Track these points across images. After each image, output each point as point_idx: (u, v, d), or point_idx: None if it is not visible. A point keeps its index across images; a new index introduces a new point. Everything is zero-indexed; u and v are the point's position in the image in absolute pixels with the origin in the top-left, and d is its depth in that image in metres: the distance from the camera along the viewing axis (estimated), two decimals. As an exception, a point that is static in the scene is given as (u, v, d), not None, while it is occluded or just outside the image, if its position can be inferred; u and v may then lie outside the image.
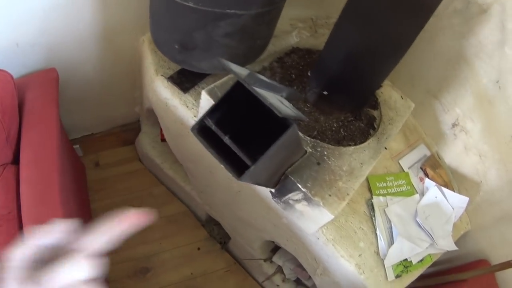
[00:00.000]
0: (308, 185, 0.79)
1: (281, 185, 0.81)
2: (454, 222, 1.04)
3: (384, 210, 0.95)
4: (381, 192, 0.98)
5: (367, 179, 0.99)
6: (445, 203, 1.03)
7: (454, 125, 1.10)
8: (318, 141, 0.85)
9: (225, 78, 0.88)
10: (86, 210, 1.15)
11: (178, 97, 0.96)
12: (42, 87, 0.93)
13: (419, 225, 0.97)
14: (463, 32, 0.99)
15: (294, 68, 0.96)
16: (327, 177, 0.82)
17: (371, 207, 0.95)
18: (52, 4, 0.86)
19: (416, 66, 1.17)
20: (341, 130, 0.88)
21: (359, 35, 0.77)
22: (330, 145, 0.85)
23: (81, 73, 1.04)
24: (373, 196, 0.96)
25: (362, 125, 0.92)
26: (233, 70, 0.55)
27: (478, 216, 1.10)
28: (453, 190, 1.10)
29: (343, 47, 0.80)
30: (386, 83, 1.07)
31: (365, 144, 0.89)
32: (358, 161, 0.86)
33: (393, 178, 1.02)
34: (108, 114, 1.23)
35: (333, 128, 0.88)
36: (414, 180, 1.06)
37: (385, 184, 1.00)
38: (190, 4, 0.73)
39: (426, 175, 1.08)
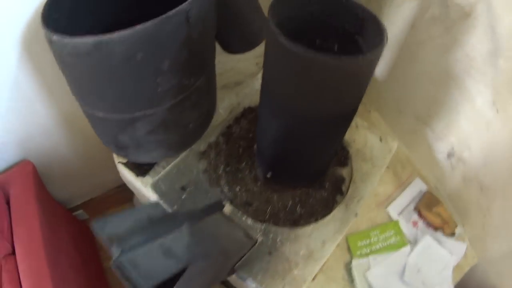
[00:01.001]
0: (259, 278, 0.75)
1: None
2: (454, 265, 0.93)
3: (365, 275, 0.87)
4: (364, 252, 0.90)
5: (346, 239, 0.91)
6: (441, 250, 0.92)
7: (449, 155, 0.96)
8: (270, 225, 0.79)
9: (169, 167, 0.84)
10: (97, 270, 1.22)
11: (140, 180, 0.94)
12: (20, 183, 0.97)
13: (407, 284, 0.87)
14: (446, 44, 0.82)
15: (242, 139, 0.89)
16: (280, 266, 0.77)
17: (351, 272, 0.87)
18: (7, 107, 0.88)
19: (400, 90, 1.03)
20: (298, 207, 0.81)
21: (276, 121, 0.68)
22: (284, 228, 0.79)
23: (58, 155, 1.07)
24: (353, 259, 0.88)
25: (325, 194, 0.83)
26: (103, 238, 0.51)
27: (484, 250, 0.97)
28: (455, 227, 0.97)
29: (267, 131, 0.72)
30: (362, 124, 0.95)
31: (329, 217, 0.82)
32: (319, 240, 0.79)
33: (378, 231, 0.93)
34: (100, 180, 1.26)
35: (288, 207, 0.81)
36: (406, 227, 0.95)
37: (368, 241, 0.91)
38: (100, 115, 0.70)
39: (421, 217, 0.96)
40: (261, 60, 1.11)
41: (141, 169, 0.93)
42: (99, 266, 1.24)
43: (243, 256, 0.75)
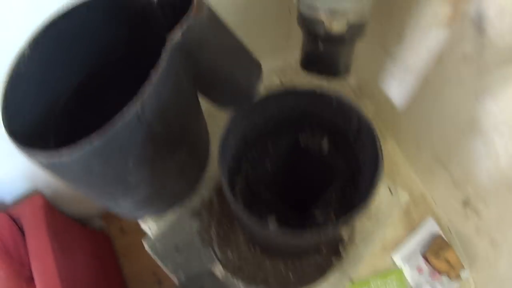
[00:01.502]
0: None
1: None
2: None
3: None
4: (363, 301, 0.88)
5: (345, 288, 0.88)
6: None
7: (465, 203, 0.88)
8: (261, 290, 0.78)
9: (164, 228, 0.84)
10: (117, 278, 1.29)
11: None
12: (32, 218, 1.03)
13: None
14: (477, 90, 0.70)
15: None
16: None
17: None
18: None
19: (420, 125, 0.93)
20: (290, 273, 0.78)
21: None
22: (274, 291, 0.78)
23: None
24: (352, 311, 0.87)
25: (320, 258, 0.79)
26: None
27: None
28: (461, 271, 0.92)
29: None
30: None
31: (322, 282, 0.79)
32: (310, 305, 0.78)
33: (380, 280, 0.90)
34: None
35: (280, 273, 0.79)
36: (410, 273, 0.91)
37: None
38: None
39: (427, 263, 0.92)
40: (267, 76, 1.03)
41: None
42: (119, 274, 1.31)
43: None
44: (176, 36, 0.53)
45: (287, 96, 0.53)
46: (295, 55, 0.77)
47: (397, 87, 0.93)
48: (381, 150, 0.48)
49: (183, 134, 0.68)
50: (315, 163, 0.59)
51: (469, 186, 0.85)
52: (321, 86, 0.59)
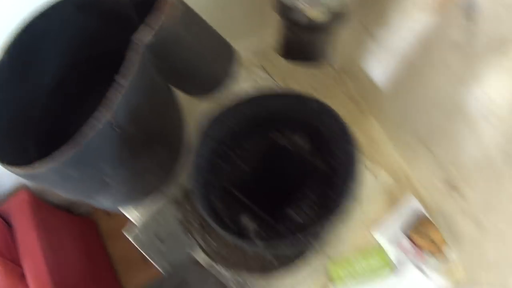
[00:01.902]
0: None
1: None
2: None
3: (345, 306, 0.91)
4: (345, 281, 0.93)
5: (327, 268, 0.93)
6: (427, 281, 0.94)
7: (449, 185, 0.91)
8: (243, 273, 0.83)
9: (147, 219, 0.87)
10: (104, 260, 1.34)
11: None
12: (19, 214, 1.06)
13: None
14: (463, 77, 0.71)
15: None
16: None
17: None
18: None
19: (403, 106, 0.94)
20: (268, 255, 0.83)
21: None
22: (256, 275, 0.83)
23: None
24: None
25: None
26: None
27: (475, 279, 0.98)
28: (446, 251, 0.97)
29: None
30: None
31: (302, 262, 0.83)
32: (290, 286, 0.84)
33: (362, 259, 0.94)
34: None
35: (261, 258, 0.83)
36: (393, 252, 0.96)
37: (351, 270, 0.94)
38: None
39: (411, 241, 0.96)
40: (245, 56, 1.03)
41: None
42: (106, 256, 1.36)
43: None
44: (146, 37, 0.54)
45: (262, 99, 0.54)
46: (272, 33, 0.77)
47: (380, 69, 0.93)
48: (357, 155, 0.50)
49: (157, 130, 0.69)
50: (292, 162, 0.61)
51: (453, 168, 0.87)
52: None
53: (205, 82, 0.74)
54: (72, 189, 0.63)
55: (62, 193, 0.67)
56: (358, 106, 1.06)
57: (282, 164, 0.65)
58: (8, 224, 1.06)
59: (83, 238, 1.27)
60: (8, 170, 0.53)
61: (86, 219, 1.38)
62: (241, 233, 0.61)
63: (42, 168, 0.51)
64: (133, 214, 0.91)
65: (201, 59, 0.68)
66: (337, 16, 0.59)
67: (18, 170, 0.52)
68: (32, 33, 0.64)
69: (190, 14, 0.61)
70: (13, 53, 0.62)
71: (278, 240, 0.60)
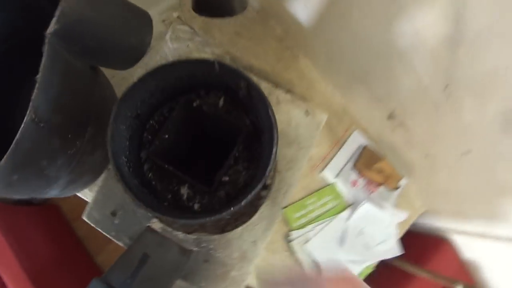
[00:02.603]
0: (202, 285, 0.91)
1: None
2: (397, 222, 1.06)
3: (304, 247, 1.02)
4: (301, 222, 1.02)
5: (282, 213, 1.02)
6: (382, 214, 1.04)
7: (390, 117, 0.98)
8: (201, 235, 0.91)
9: (94, 195, 0.92)
10: (73, 242, 1.41)
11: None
12: None
13: (348, 249, 1.03)
14: (389, 14, 0.74)
15: None
16: (219, 271, 0.91)
17: (289, 244, 1.02)
18: None
19: (332, 44, 0.97)
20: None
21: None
22: (215, 236, 0.91)
23: None
24: (291, 232, 1.02)
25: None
26: None
27: (432, 203, 1.08)
28: (398, 180, 1.07)
29: None
30: (284, 99, 0.97)
31: (256, 216, 0.92)
32: (249, 240, 0.91)
33: (315, 198, 1.03)
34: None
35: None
36: (345, 187, 1.04)
37: (305, 211, 1.03)
38: None
39: (361, 175, 1.06)
40: (167, 16, 1.05)
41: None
42: (74, 238, 1.43)
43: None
44: (51, 26, 0.57)
45: (166, 70, 0.59)
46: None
47: (302, 7, 0.95)
48: (273, 113, 0.56)
49: (86, 113, 0.73)
50: (216, 123, 0.67)
51: (393, 101, 0.93)
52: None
53: (124, 55, 0.77)
54: (22, 191, 0.68)
55: (14, 196, 0.72)
56: (288, 48, 1.09)
57: (205, 127, 0.70)
58: None
59: (48, 226, 1.32)
60: None
61: (47, 206, 1.43)
62: (179, 203, 0.68)
63: None
64: (87, 195, 0.97)
65: (114, 33, 0.70)
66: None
67: None
68: None
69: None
70: None
71: (218, 206, 0.67)
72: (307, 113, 0.93)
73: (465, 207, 0.97)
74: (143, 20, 0.73)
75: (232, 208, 0.52)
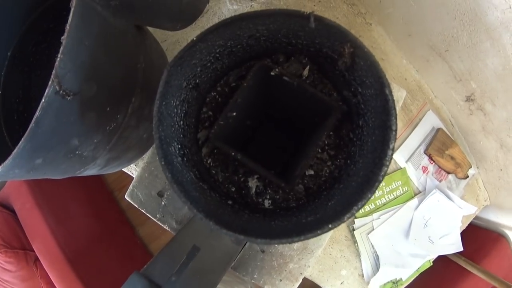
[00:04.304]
0: (255, 276, 0.74)
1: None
2: (464, 215, 0.87)
3: (368, 237, 0.83)
4: (367, 209, 0.84)
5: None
6: (451, 205, 0.84)
7: (469, 99, 0.78)
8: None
9: (140, 171, 0.76)
10: (115, 214, 1.26)
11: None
12: (19, 198, 0.96)
13: (412, 241, 0.84)
14: None
15: None
16: (275, 262, 0.74)
17: (353, 233, 0.84)
18: None
19: (411, 11, 0.77)
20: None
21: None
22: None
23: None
24: (355, 219, 0.84)
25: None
26: None
27: (497, 197, 0.88)
28: (468, 169, 0.86)
29: None
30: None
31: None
32: (313, 231, 0.74)
33: (384, 184, 0.84)
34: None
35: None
36: (415, 174, 0.85)
37: (372, 197, 0.84)
38: None
39: (432, 161, 0.85)
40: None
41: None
42: (117, 209, 1.28)
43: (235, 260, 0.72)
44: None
45: (240, 23, 0.39)
46: None
47: None
48: (390, 90, 0.36)
49: (129, 82, 0.55)
50: (296, 101, 0.46)
51: (473, 82, 0.72)
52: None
53: (176, 11, 0.58)
54: (51, 173, 0.51)
55: (41, 177, 0.55)
56: (361, 14, 0.88)
57: (283, 107, 0.50)
58: (11, 210, 0.97)
59: (89, 198, 1.17)
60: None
61: (89, 177, 1.28)
62: (246, 199, 0.49)
63: (2, 170, 0.39)
64: (131, 170, 0.81)
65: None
66: None
67: None
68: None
69: None
70: None
71: (295, 203, 0.48)
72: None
73: None
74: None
75: (335, 222, 0.32)
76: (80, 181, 1.19)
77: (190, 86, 0.41)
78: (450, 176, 0.85)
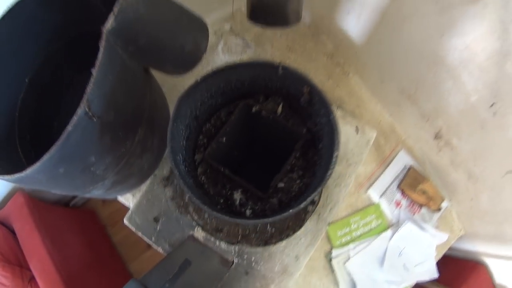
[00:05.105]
0: (239, 297, 0.85)
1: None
2: (437, 244, 0.99)
3: (344, 266, 0.95)
4: (344, 240, 0.96)
5: (326, 229, 0.97)
6: (423, 234, 0.97)
7: (437, 136, 0.93)
8: (243, 246, 0.85)
9: (138, 199, 0.89)
10: (107, 246, 1.37)
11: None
12: (19, 216, 1.07)
13: (388, 269, 0.96)
14: (441, 26, 0.71)
15: None
16: (258, 284, 0.85)
17: (331, 263, 0.96)
18: None
19: (383, 58, 0.94)
20: (268, 226, 0.85)
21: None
22: (258, 248, 0.85)
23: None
24: (333, 249, 0.96)
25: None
26: None
27: (471, 226, 1.01)
28: (441, 202, 1.00)
29: None
30: (338, 115, 0.92)
31: (301, 230, 0.86)
32: (292, 255, 0.85)
33: (359, 217, 0.97)
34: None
35: (259, 227, 0.85)
36: (388, 208, 0.98)
37: (348, 229, 0.97)
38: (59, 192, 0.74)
39: (404, 196, 0.99)
40: (219, 27, 1.03)
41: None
42: (109, 243, 1.39)
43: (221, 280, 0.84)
44: (109, 23, 0.54)
45: (230, 70, 0.55)
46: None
47: (354, 23, 0.92)
48: (335, 119, 0.51)
49: (138, 114, 0.70)
50: (273, 129, 0.62)
51: (440, 119, 0.88)
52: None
53: (179, 58, 0.74)
54: (65, 186, 0.65)
55: (57, 191, 0.69)
56: (339, 65, 1.06)
57: (261, 133, 0.66)
58: (10, 230, 1.08)
59: (84, 229, 1.29)
60: (1, 179, 0.55)
61: (84, 210, 1.41)
62: (231, 208, 0.63)
63: (31, 171, 0.52)
64: (127, 198, 0.93)
65: (170, 34, 0.68)
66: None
67: (8, 177, 0.53)
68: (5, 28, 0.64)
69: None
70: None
71: (270, 212, 0.61)
72: (357, 129, 0.89)
73: (505, 229, 0.91)
74: (199, 25, 0.70)
75: (291, 210, 0.46)
76: (75, 214, 1.31)
77: (193, 115, 0.57)
78: (423, 209, 0.98)
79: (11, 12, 0.64)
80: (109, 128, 0.60)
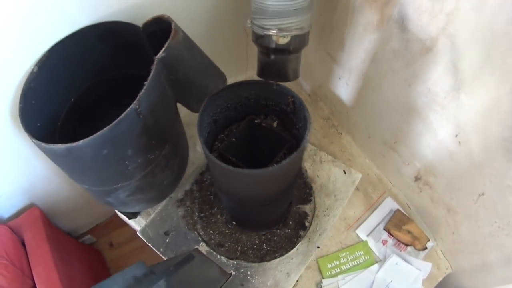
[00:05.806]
0: (235, 306, 0.98)
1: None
2: (423, 278, 1.12)
3: (334, 294, 1.08)
4: (333, 272, 1.10)
5: (317, 262, 1.11)
6: (408, 267, 1.11)
7: (416, 178, 1.12)
8: (241, 262, 1.01)
9: (153, 215, 1.07)
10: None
11: (133, 221, 1.18)
12: (31, 228, 1.22)
13: (374, 300, 1.08)
14: (408, 78, 0.93)
15: (213, 185, 1.10)
16: (252, 296, 0.99)
17: (322, 292, 1.09)
18: (9, 165, 1.10)
19: (368, 116, 1.18)
20: (264, 245, 1.02)
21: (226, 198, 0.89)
22: (253, 263, 1.01)
23: (61, 195, 1.30)
24: (323, 279, 1.10)
25: (288, 231, 1.04)
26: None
27: (457, 261, 1.14)
28: (426, 242, 1.15)
29: (223, 200, 0.95)
30: (326, 159, 1.14)
31: (293, 251, 1.02)
32: (284, 272, 1.01)
33: (348, 252, 1.13)
34: (102, 209, 1.51)
35: (255, 245, 1.02)
36: (375, 246, 1.14)
37: (337, 262, 1.12)
38: (86, 187, 0.92)
39: (390, 235, 1.15)
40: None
41: (133, 213, 1.17)
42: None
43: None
44: (160, 53, 0.80)
45: (240, 86, 0.80)
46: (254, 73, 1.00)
47: (345, 87, 1.18)
48: (309, 114, 0.73)
49: (168, 128, 0.92)
50: (269, 136, 0.85)
51: (417, 162, 1.08)
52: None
53: (202, 95, 0.98)
54: (100, 173, 0.83)
55: (86, 182, 0.88)
56: (333, 126, 1.31)
57: (260, 137, 0.88)
58: (19, 239, 1.20)
59: (89, 265, 1.43)
60: (51, 147, 0.74)
61: (91, 248, 1.56)
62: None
63: (82, 143, 0.70)
64: (139, 221, 1.12)
65: (199, 74, 0.92)
66: (299, 39, 0.80)
67: (60, 146, 0.71)
68: (58, 55, 0.86)
69: (188, 40, 0.86)
70: (45, 66, 0.84)
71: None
72: (344, 171, 1.09)
73: (487, 256, 1.01)
74: (220, 74, 0.95)
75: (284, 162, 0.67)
76: (84, 248, 1.47)
77: (213, 118, 0.80)
78: (409, 248, 1.13)
79: (73, 36, 0.86)
80: (147, 130, 0.82)
